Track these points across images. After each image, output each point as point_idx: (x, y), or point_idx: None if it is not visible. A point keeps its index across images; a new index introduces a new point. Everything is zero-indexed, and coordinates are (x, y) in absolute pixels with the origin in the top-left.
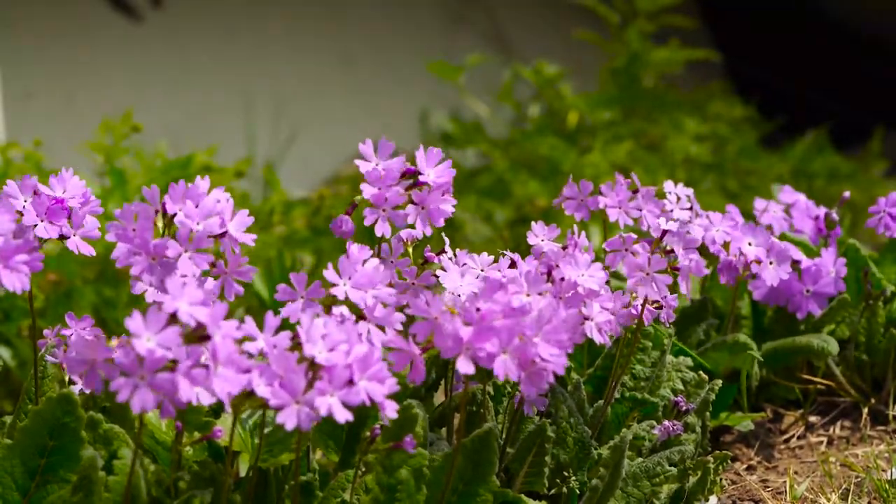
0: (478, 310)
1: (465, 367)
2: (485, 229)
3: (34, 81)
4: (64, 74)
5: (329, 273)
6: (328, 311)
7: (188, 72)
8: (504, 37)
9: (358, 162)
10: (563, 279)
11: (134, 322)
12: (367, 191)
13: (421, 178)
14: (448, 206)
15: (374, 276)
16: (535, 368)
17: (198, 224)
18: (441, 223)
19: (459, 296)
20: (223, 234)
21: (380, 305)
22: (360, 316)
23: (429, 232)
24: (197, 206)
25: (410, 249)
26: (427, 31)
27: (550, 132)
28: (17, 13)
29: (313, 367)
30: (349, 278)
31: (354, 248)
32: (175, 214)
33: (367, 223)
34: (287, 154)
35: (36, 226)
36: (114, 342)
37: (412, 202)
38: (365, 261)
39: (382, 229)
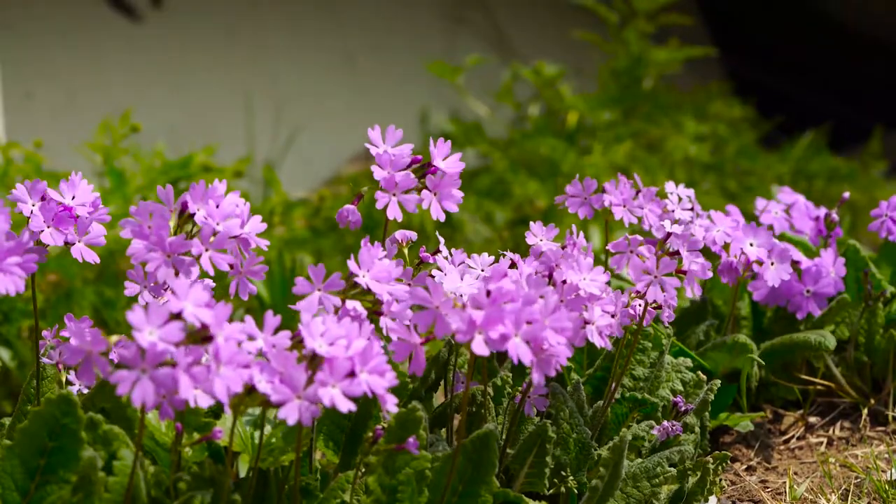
0: (488, 293)
1: (479, 348)
2: (485, 230)
3: (34, 81)
4: (64, 74)
5: (351, 263)
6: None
7: (188, 72)
8: (504, 37)
9: (367, 146)
10: (564, 282)
11: (136, 315)
12: (378, 173)
13: (433, 165)
14: (459, 192)
15: (390, 270)
16: (545, 354)
17: (218, 224)
18: (454, 208)
19: (461, 296)
20: (238, 236)
21: (394, 301)
22: (373, 311)
23: (442, 217)
24: (217, 207)
25: (406, 250)
26: (427, 31)
27: (550, 132)
28: (17, 13)
29: (314, 362)
30: (368, 270)
31: (369, 244)
32: (194, 214)
33: (378, 206)
34: (287, 154)
35: (42, 231)
36: (114, 339)
37: (426, 188)
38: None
39: (394, 213)
